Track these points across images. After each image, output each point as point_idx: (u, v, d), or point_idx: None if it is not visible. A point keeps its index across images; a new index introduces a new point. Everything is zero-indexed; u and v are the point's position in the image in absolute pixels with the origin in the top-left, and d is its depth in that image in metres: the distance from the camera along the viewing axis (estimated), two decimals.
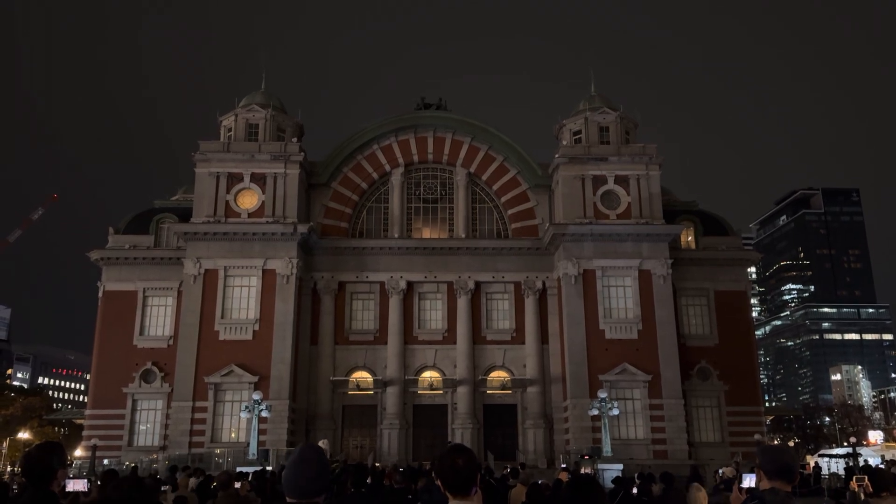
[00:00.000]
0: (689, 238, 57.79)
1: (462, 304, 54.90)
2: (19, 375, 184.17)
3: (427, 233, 58.03)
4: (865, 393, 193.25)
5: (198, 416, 49.28)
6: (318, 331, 54.51)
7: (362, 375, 54.24)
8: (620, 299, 52.51)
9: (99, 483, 10.00)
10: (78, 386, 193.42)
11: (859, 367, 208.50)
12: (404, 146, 58.67)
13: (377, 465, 41.69)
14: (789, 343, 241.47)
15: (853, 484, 11.57)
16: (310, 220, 54.84)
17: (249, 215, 53.01)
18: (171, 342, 53.11)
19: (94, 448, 46.93)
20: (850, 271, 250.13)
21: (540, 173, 57.32)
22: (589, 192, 53.98)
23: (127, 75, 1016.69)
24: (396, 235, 56.72)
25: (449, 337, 55.08)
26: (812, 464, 55.35)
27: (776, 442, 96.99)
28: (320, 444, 31.76)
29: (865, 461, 52.67)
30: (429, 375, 54.64)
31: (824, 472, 45.74)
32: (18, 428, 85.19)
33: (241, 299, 51.83)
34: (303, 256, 53.55)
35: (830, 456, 72.10)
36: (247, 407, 41.08)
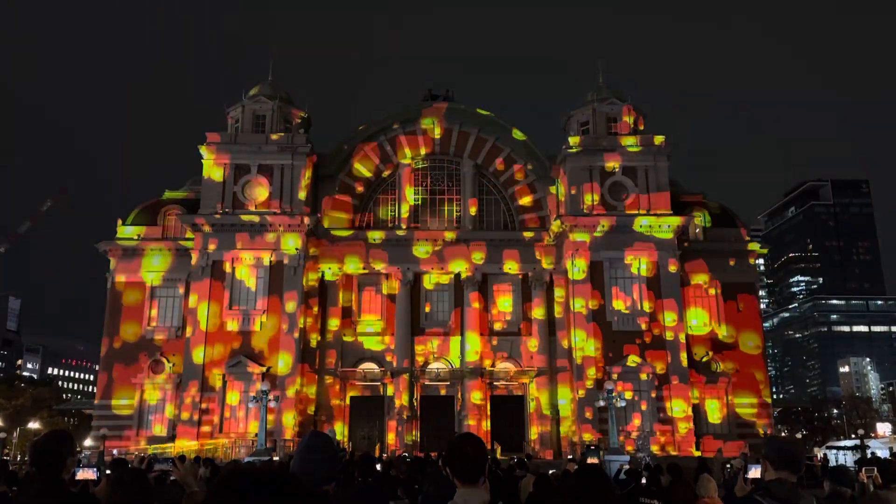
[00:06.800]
0: (697, 230, 57.60)
1: (469, 295, 54.90)
2: (29, 366, 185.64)
3: (434, 224, 57.99)
4: (874, 385, 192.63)
5: (206, 406, 49.51)
6: (324, 322, 54.62)
7: (369, 367, 54.36)
8: (628, 291, 52.44)
9: (108, 472, 10.05)
10: (87, 376, 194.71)
11: (868, 359, 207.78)
12: (411, 138, 58.60)
13: (384, 455, 41.90)
14: (797, 335, 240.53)
15: (862, 475, 11.52)
16: (317, 212, 54.89)
17: (257, 206, 53.09)
18: (178, 333, 53.37)
19: (103, 438, 47.29)
20: (859, 263, 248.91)
21: (547, 165, 57.16)
22: (597, 183, 53.83)
23: (135, 66, 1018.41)
24: (404, 227, 56.73)
25: (456, 328, 55.13)
26: (820, 456, 55.41)
27: (784, 434, 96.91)
28: (326, 432, 31.86)
29: (873, 453, 52.65)
30: (436, 367, 54.73)
31: (832, 464, 45.73)
32: (28, 418, 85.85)
33: (249, 290, 51.99)
34: (310, 248, 53.62)
35: (838, 448, 72.12)
36: (254, 397, 41.26)
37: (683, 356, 51.28)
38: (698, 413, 52.40)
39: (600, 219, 52.46)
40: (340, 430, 52.20)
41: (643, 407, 50.24)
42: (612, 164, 54.17)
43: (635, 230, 52.58)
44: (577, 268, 52.18)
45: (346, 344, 54.62)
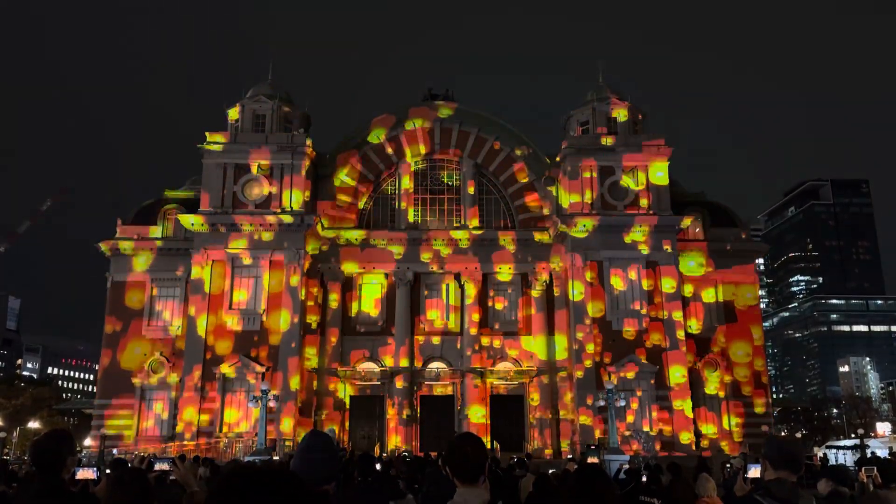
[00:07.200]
0: (697, 229, 57.59)
1: (469, 295, 54.88)
2: (29, 366, 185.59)
3: (434, 224, 57.93)
4: (873, 385, 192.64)
5: (206, 406, 49.49)
6: (325, 321, 54.63)
7: (369, 367, 54.34)
8: (627, 290, 52.40)
9: (108, 472, 10.06)
10: (87, 376, 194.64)
11: (867, 358, 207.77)
12: (411, 137, 58.53)
13: (384, 455, 41.95)
14: (797, 335, 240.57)
15: (862, 475, 11.55)
16: (317, 211, 54.84)
17: (257, 206, 53.05)
18: (179, 332, 53.34)
19: (102, 438, 47.27)
20: (858, 263, 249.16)
21: (547, 164, 57.14)
22: (596, 183, 53.80)
23: (135, 66, 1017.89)
24: (403, 227, 56.70)
25: (455, 328, 55.12)
26: (820, 455, 55.44)
27: (783, 433, 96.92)
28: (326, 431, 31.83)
29: (873, 453, 52.69)
30: (436, 366, 54.69)
31: (832, 463, 45.74)
32: (28, 418, 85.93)
33: (249, 290, 51.96)
34: (309, 247, 53.59)
35: (838, 447, 72.20)
36: (254, 397, 41.26)
37: (683, 355, 51.21)
38: (698, 412, 52.42)
39: (600, 218, 52.45)
40: (340, 430, 52.19)
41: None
42: (612, 163, 54.12)
43: (635, 229, 52.56)
44: (577, 267, 52.15)
45: (345, 343, 54.60)
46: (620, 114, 56.74)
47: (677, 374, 50.57)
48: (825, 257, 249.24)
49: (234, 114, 56.93)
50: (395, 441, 51.93)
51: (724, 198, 65.51)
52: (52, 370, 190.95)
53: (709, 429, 52.95)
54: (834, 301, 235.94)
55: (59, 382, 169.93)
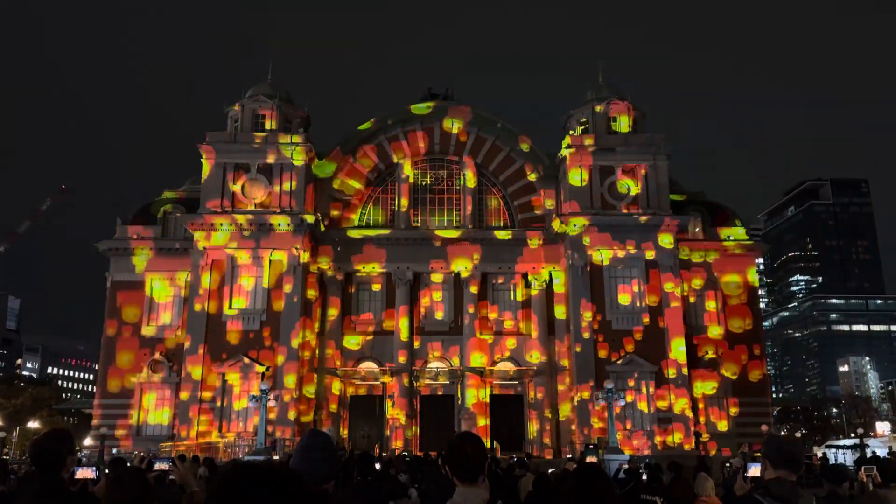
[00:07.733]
0: (697, 229, 57.57)
1: (468, 294, 54.86)
2: (28, 365, 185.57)
3: (434, 223, 57.93)
4: (873, 384, 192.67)
5: (205, 405, 49.45)
6: (324, 321, 54.61)
7: (369, 366, 54.33)
8: (627, 290, 52.41)
9: (107, 472, 10.07)
10: (87, 376, 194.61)
11: (867, 358, 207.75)
12: (411, 137, 58.52)
13: (384, 454, 41.92)
14: (797, 334, 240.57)
15: (861, 474, 11.56)
16: (316, 211, 54.83)
17: (256, 206, 53.01)
18: (178, 332, 53.32)
19: (102, 437, 47.25)
20: (858, 262, 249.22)
21: (547, 164, 57.15)
22: (596, 182, 53.78)
23: (135, 66, 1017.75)
24: (403, 226, 56.67)
25: (455, 328, 55.09)
26: (819, 455, 55.46)
27: (783, 433, 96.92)
28: (325, 431, 31.78)
29: (873, 452, 52.68)
30: (435, 366, 54.69)
31: (831, 462, 45.73)
32: (28, 417, 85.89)
33: (249, 290, 51.93)
34: (309, 247, 53.58)
35: (838, 447, 72.26)
36: (254, 397, 41.23)
37: (682, 355, 51.12)
38: (698, 412, 52.50)
39: (599, 217, 52.43)
40: (339, 430, 52.22)
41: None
42: (612, 163, 54.12)
43: (635, 229, 52.53)
44: (577, 267, 52.14)
45: (345, 343, 54.59)
46: (620, 113, 56.74)
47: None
48: (825, 257, 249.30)
49: (234, 114, 56.89)
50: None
51: (724, 198, 65.38)
52: (52, 370, 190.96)
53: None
54: (834, 301, 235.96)
55: (59, 382, 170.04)
